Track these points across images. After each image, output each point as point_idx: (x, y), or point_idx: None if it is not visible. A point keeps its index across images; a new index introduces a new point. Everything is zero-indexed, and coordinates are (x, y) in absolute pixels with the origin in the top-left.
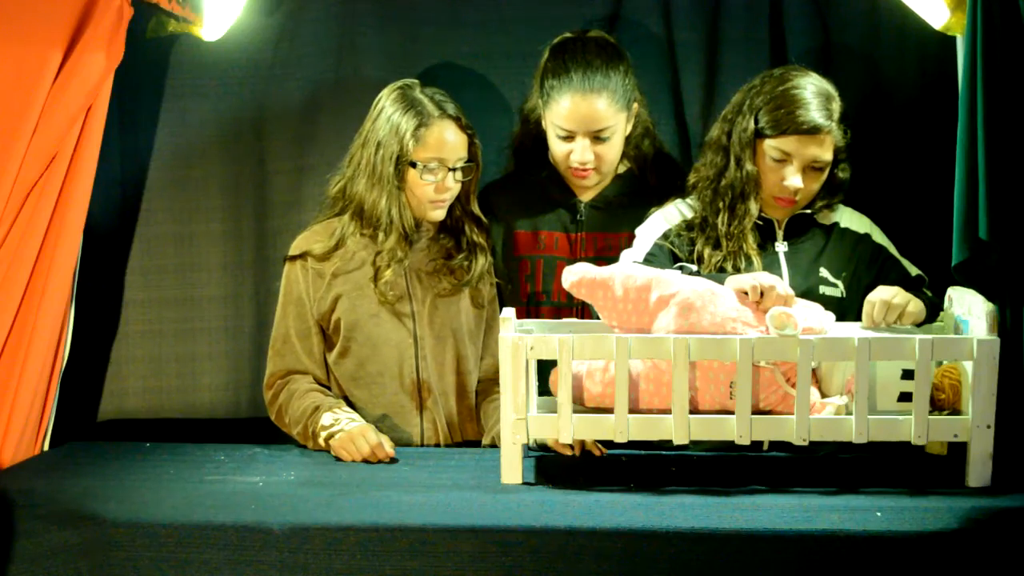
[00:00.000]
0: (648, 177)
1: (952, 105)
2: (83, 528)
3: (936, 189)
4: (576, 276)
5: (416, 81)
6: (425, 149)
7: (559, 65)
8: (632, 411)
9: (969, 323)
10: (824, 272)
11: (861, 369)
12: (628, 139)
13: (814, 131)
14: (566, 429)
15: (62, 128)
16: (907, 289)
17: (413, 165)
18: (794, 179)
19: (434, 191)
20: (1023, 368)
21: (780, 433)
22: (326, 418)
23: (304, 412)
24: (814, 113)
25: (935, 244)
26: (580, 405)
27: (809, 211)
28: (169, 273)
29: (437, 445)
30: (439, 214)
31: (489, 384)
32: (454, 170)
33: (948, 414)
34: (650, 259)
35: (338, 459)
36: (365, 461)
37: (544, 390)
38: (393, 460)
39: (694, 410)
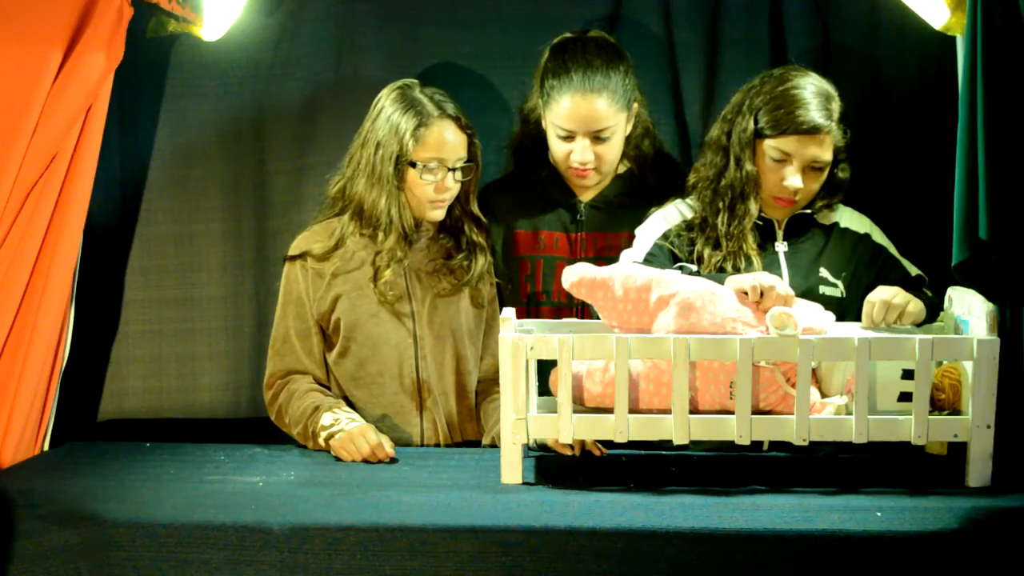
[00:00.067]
0: (648, 177)
1: (952, 105)
2: (83, 528)
3: (936, 189)
4: (576, 276)
5: (416, 81)
6: (425, 149)
7: (559, 65)
8: (632, 411)
9: (969, 323)
10: (824, 272)
11: (861, 369)
12: (628, 139)
13: (814, 131)
14: (566, 429)
15: (62, 128)
16: (907, 289)
17: (413, 165)
18: (794, 179)
19: (434, 191)
20: (1023, 368)
21: (780, 433)
22: (326, 418)
23: (304, 412)
24: (814, 113)
25: (935, 244)
26: (580, 405)
27: (809, 211)
28: (169, 273)
29: (437, 445)
30: (439, 214)
31: (489, 384)
32: (454, 170)
33: (948, 414)
34: (650, 259)
35: (338, 459)
36: (365, 461)
37: (544, 390)
38: (393, 460)
39: (694, 410)
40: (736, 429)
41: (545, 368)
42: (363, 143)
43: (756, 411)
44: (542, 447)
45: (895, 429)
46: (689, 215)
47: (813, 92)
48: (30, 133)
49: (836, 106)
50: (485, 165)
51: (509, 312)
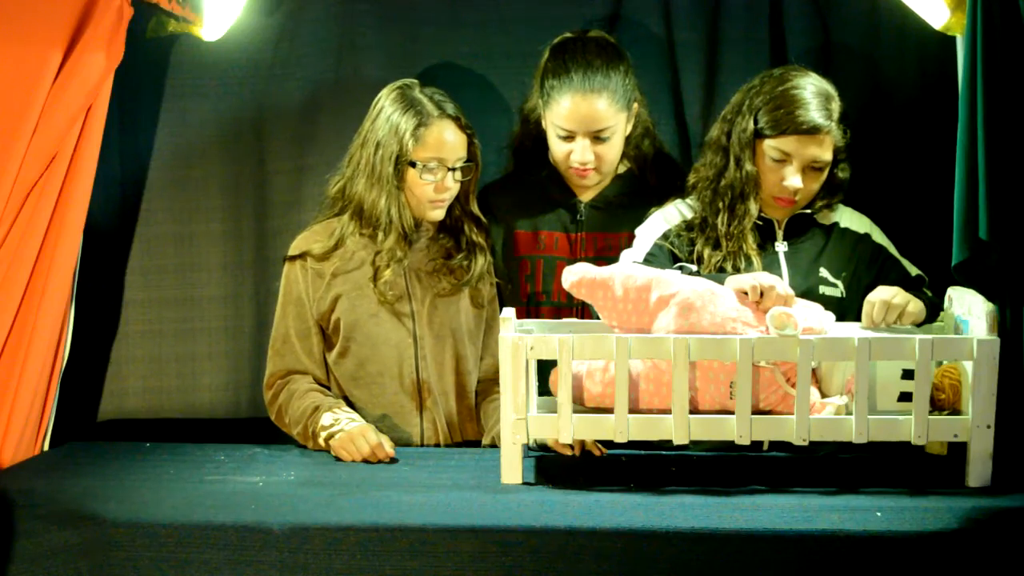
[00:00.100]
0: (648, 177)
1: (952, 105)
2: (83, 528)
3: (936, 189)
4: (576, 276)
5: (415, 81)
6: (424, 149)
7: (559, 65)
8: (632, 411)
9: (969, 323)
10: (824, 272)
11: (861, 369)
12: (628, 139)
13: (814, 131)
14: (566, 429)
15: (62, 128)
16: (907, 289)
17: (412, 165)
18: (794, 179)
19: (433, 191)
20: (1023, 368)
21: (780, 433)
22: (326, 418)
23: (304, 412)
24: (814, 113)
25: (935, 244)
26: (580, 405)
27: (809, 211)
28: (169, 273)
29: (437, 445)
30: (438, 214)
31: (489, 384)
32: (453, 170)
33: (948, 414)
34: (650, 259)
35: (338, 459)
36: (365, 461)
37: (544, 390)
38: (393, 460)
39: (694, 410)
40: (736, 429)
41: (545, 368)
42: (363, 143)
43: (756, 411)
44: (542, 447)
45: (895, 429)
46: (689, 215)
47: (813, 92)
48: (30, 133)
49: (836, 106)
50: (485, 165)
51: (509, 312)
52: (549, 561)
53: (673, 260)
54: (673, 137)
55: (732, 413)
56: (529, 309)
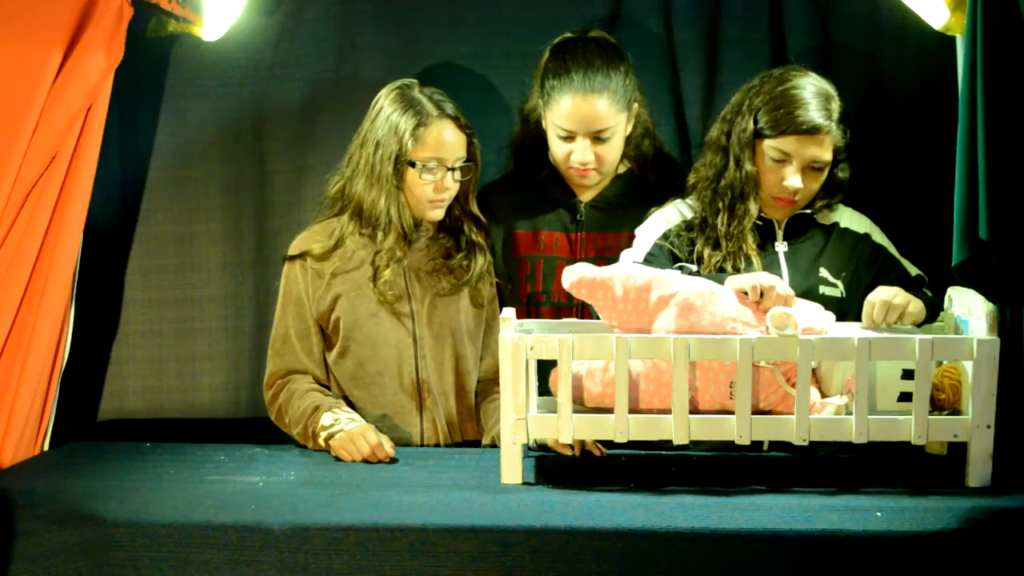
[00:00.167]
0: (648, 177)
1: (952, 105)
2: (83, 528)
3: (936, 189)
4: (576, 276)
5: (415, 81)
6: (424, 149)
7: (560, 65)
8: (632, 411)
9: (969, 323)
10: (824, 272)
11: (861, 369)
12: (628, 139)
13: (813, 131)
14: (566, 429)
15: (62, 128)
16: (907, 289)
17: (412, 165)
18: (793, 179)
19: (433, 191)
20: (1023, 368)
21: (780, 433)
22: (326, 418)
23: (304, 412)
24: (813, 113)
25: (935, 244)
26: (580, 405)
27: (809, 211)
28: (169, 273)
29: (437, 445)
30: (438, 214)
31: (489, 384)
32: (453, 170)
33: (948, 414)
34: (650, 259)
35: (338, 459)
36: (365, 461)
37: (544, 390)
38: (393, 460)
39: (694, 410)
40: (736, 429)
41: (545, 368)
42: (362, 143)
43: (756, 411)
44: (542, 447)
45: (895, 429)
46: (689, 215)
47: (813, 92)
48: (30, 133)
49: (836, 106)
50: (485, 165)
51: (509, 312)
52: (549, 561)
53: (673, 260)
54: (673, 137)
55: (732, 413)
56: (529, 309)
